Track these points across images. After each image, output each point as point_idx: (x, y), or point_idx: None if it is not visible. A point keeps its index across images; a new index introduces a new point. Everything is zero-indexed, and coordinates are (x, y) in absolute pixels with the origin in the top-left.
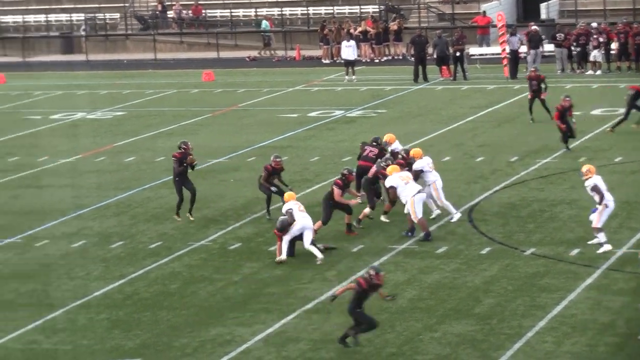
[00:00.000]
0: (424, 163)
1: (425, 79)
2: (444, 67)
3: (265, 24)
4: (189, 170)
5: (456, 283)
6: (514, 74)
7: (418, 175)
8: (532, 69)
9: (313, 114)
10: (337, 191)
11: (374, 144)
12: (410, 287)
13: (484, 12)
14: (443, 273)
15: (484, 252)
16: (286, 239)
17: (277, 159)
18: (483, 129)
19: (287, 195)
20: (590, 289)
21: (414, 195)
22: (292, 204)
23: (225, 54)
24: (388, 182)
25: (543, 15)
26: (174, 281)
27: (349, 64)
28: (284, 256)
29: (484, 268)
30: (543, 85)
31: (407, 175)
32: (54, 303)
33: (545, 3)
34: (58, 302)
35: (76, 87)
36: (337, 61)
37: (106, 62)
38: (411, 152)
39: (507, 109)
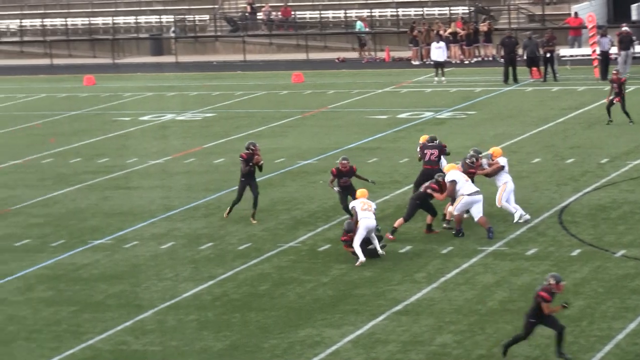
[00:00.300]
0: (505, 161)
1: (516, 80)
2: (534, 69)
3: (360, 25)
4: (257, 172)
5: None
6: (604, 75)
7: (497, 172)
8: (614, 72)
9: (402, 115)
10: (437, 195)
11: (433, 143)
12: (500, 289)
13: (576, 13)
14: (533, 275)
15: (574, 254)
16: (356, 243)
17: (344, 161)
18: (573, 131)
19: (359, 192)
20: None
21: (464, 195)
22: (357, 202)
23: (314, 56)
24: (449, 177)
25: (634, 17)
26: (263, 282)
27: (439, 65)
28: (362, 258)
29: (574, 270)
30: (623, 89)
31: (466, 176)
32: (143, 304)
33: (637, 4)
34: (147, 303)
35: (166, 89)
36: (427, 62)
37: (196, 64)
38: (491, 150)
39: (598, 111)
